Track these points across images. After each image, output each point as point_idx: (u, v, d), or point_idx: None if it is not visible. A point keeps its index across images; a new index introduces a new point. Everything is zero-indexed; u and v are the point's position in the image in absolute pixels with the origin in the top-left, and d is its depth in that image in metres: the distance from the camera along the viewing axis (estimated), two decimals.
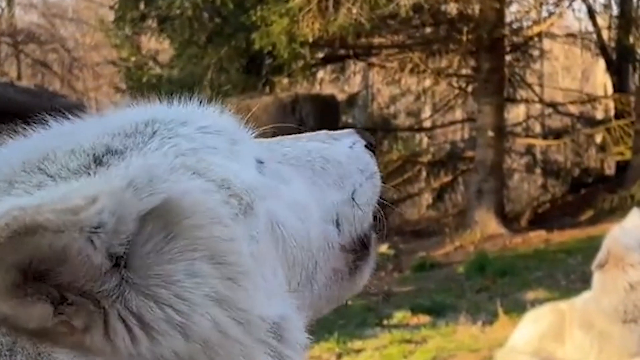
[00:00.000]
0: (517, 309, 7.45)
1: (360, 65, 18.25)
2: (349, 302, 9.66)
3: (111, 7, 16.76)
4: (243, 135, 1.13)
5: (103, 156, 0.92)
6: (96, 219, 0.79)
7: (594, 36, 18.09)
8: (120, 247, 0.83)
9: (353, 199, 1.29)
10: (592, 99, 19.98)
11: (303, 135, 1.34)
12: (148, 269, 0.85)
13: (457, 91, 17.76)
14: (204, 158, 0.98)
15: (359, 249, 1.30)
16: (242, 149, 1.07)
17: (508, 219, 15.38)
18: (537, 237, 13.74)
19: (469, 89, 17.14)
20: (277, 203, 1.09)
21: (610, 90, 18.61)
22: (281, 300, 1.00)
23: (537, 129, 20.35)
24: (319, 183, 1.25)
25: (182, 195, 0.89)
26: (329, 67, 17.53)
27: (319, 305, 1.21)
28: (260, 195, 1.03)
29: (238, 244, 0.93)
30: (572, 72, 26.72)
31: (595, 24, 17.99)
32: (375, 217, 1.35)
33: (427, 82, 17.92)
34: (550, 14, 17.10)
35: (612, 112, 17.78)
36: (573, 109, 19.48)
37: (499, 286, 10.07)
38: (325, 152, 1.30)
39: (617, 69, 17.52)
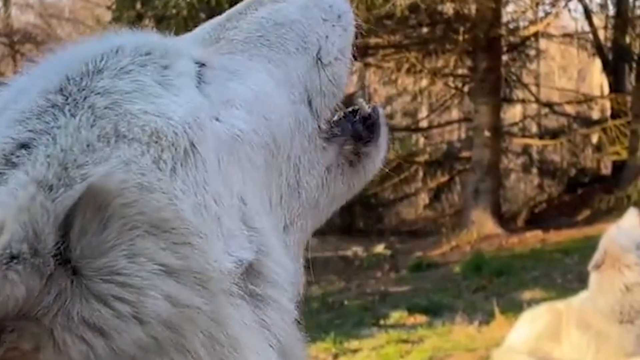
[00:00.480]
0: (514, 308, 7.44)
1: (357, 65, 18.21)
2: (346, 302, 9.67)
3: (108, 7, 16.75)
4: (173, 49, 0.94)
5: (12, 154, 0.77)
6: (5, 255, 0.69)
7: (590, 36, 18.08)
8: (47, 263, 0.72)
9: (319, 59, 1.05)
10: (588, 99, 19.99)
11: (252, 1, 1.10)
12: (86, 268, 0.75)
13: (453, 91, 17.75)
14: (125, 112, 0.82)
15: (356, 134, 1.09)
16: (174, 69, 0.90)
17: (505, 219, 15.39)
18: (534, 237, 13.73)
19: (466, 89, 17.13)
20: (229, 114, 0.93)
21: (606, 90, 18.62)
22: (248, 237, 0.87)
23: (534, 129, 20.35)
24: (276, 59, 1.03)
25: (104, 175, 0.77)
26: None
27: (318, 212, 1.04)
28: (203, 120, 0.87)
29: (179, 203, 0.81)
30: (568, 72, 26.73)
31: (591, 23, 17.98)
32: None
33: (424, 82, 17.90)
34: (547, 14, 17.10)
35: (608, 112, 17.77)
36: (569, 109, 19.50)
37: (495, 286, 10.07)
38: (278, 15, 1.06)
39: (614, 69, 17.52)
